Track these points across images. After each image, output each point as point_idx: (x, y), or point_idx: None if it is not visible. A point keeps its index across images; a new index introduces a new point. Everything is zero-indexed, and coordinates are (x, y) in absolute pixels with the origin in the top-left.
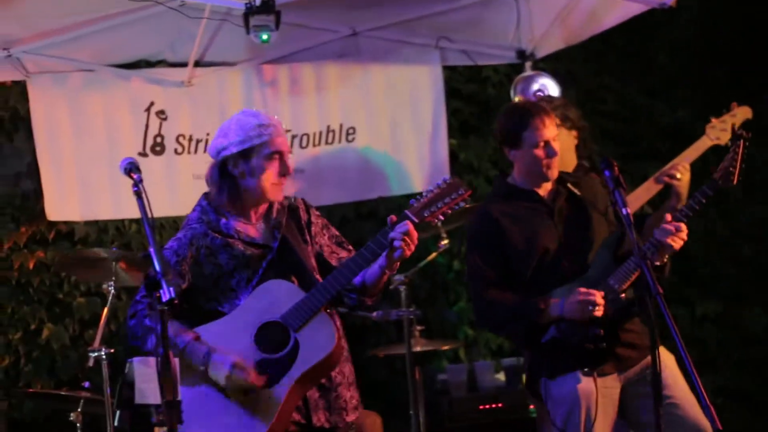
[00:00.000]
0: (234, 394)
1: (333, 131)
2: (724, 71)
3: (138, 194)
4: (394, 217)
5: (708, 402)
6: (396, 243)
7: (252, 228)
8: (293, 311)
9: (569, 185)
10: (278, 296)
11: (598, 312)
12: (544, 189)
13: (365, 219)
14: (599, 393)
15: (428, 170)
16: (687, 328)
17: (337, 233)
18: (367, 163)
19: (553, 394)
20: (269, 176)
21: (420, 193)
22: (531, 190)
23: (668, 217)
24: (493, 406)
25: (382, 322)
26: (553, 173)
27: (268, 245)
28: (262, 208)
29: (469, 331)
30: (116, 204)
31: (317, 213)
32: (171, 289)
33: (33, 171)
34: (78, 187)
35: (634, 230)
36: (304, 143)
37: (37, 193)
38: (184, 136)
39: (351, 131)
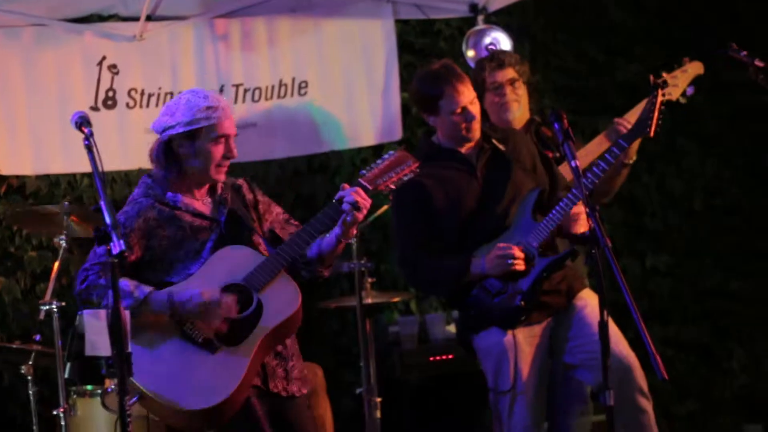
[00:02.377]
0: (209, 323)
1: (285, 85)
2: (679, 26)
3: (89, 148)
4: (346, 185)
5: (654, 351)
6: (344, 206)
7: (198, 203)
8: (254, 273)
9: (494, 141)
10: (237, 260)
11: (518, 266)
12: (468, 147)
13: (317, 172)
14: (526, 343)
15: (380, 124)
16: (637, 280)
17: (282, 210)
18: (319, 117)
19: (481, 348)
20: (214, 158)
21: (368, 166)
22: (453, 149)
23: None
24: (444, 357)
25: (333, 274)
26: (475, 135)
27: (216, 219)
28: (206, 187)
29: None
30: (68, 158)
31: (261, 192)
32: (121, 241)
33: None
34: (30, 141)
35: (582, 182)
36: (256, 97)
37: None
38: (135, 90)
39: (303, 85)
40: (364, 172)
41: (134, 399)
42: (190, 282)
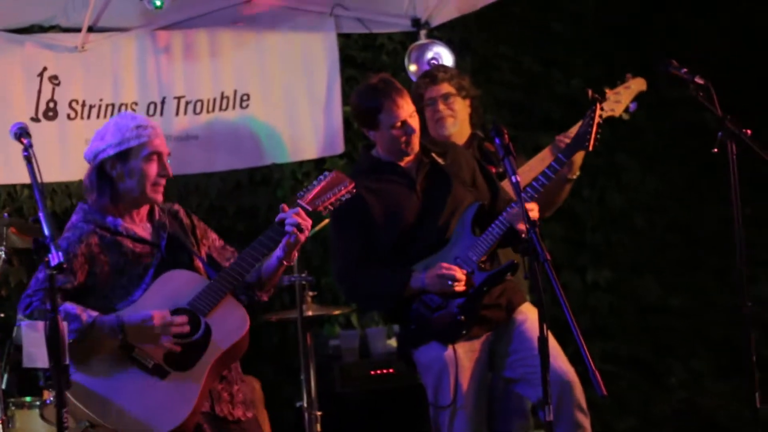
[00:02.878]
0: (160, 346)
1: (227, 98)
2: (621, 42)
3: (28, 159)
4: (285, 206)
5: (593, 367)
6: (287, 228)
7: (138, 227)
8: (200, 297)
9: (433, 155)
10: (181, 285)
11: (458, 287)
12: (407, 161)
13: (259, 185)
14: (466, 357)
15: (322, 137)
16: (578, 296)
17: (217, 236)
18: (261, 130)
19: (421, 362)
20: (148, 177)
21: (305, 186)
22: (393, 162)
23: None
24: (385, 371)
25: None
26: (414, 148)
27: (157, 243)
28: (144, 210)
29: None
30: (7, 169)
31: (197, 217)
32: (60, 253)
33: None
34: None
35: (522, 199)
36: (197, 109)
37: None
38: (77, 102)
39: (245, 98)
40: (301, 193)
41: (83, 424)
42: (137, 307)
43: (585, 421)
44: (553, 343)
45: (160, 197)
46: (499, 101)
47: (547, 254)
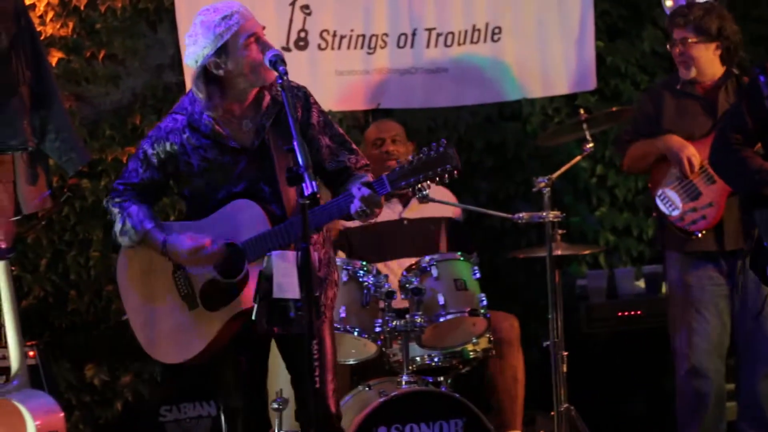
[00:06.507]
0: (198, 270)
1: (478, 30)
2: None
3: (282, 87)
4: (370, 176)
5: None
6: (353, 208)
7: (236, 124)
8: (253, 242)
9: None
10: (245, 220)
11: None
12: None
13: (508, 120)
14: None
15: (574, 73)
16: None
17: (340, 132)
18: (511, 64)
19: None
20: (251, 60)
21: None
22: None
23: None
24: (632, 313)
25: (522, 224)
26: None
27: (246, 148)
28: (251, 97)
29: (610, 237)
30: None
31: (319, 109)
32: (314, 183)
33: (176, 63)
34: None
35: None
36: (448, 42)
37: (179, 86)
38: (327, 32)
39: (496, 31)
40: (395, 170)
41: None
42: (199, 226)
43: None
44: None
45: (268, 76)
46: (755, 37)
47: None
